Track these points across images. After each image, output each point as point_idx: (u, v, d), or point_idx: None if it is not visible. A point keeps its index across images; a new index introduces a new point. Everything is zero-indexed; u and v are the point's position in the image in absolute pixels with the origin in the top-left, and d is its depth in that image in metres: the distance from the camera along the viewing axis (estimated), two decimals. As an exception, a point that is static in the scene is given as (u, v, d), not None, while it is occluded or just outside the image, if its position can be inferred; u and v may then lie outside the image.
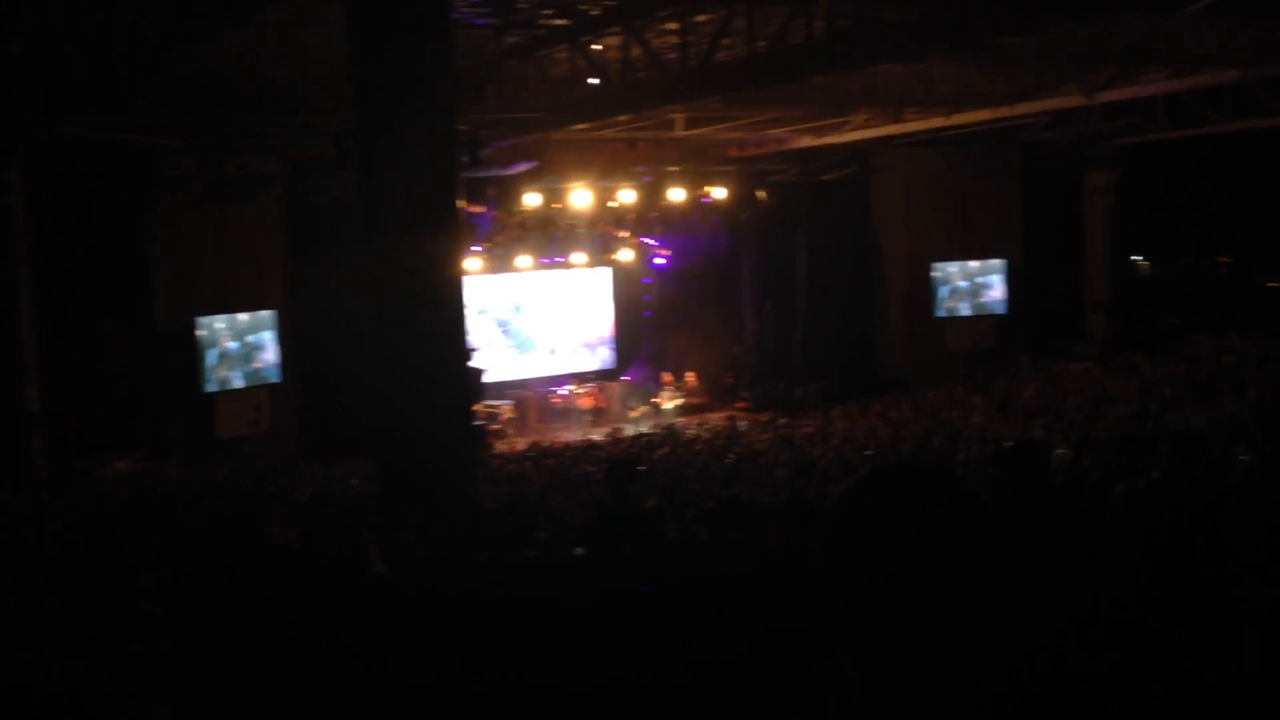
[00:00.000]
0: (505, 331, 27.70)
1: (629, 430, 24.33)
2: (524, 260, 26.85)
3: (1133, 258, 33.12)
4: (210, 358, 20.84)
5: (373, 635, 4.02)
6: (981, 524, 1.48)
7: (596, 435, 23.61)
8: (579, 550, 5.58)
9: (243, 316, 21.25)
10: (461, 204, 11.65)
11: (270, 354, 21.66)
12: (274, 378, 21.75)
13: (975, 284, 27.56)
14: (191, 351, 20.63)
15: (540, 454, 20.46)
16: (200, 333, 20.70)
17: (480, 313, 26.83)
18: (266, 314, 21.57)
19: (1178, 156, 26.17)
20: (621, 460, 9.34)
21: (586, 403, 26.82)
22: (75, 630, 3.88)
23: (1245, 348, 19.54)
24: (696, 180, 26.29)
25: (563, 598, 4.73)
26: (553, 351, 28.18)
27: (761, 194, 27.06)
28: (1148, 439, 13.04)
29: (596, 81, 16.81)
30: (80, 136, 17.42)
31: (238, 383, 21.27)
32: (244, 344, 21.31)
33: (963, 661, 1.42)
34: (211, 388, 20.90)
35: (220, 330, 20.93)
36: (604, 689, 3.74)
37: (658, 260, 28.27)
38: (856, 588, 1.46)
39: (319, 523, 9.69)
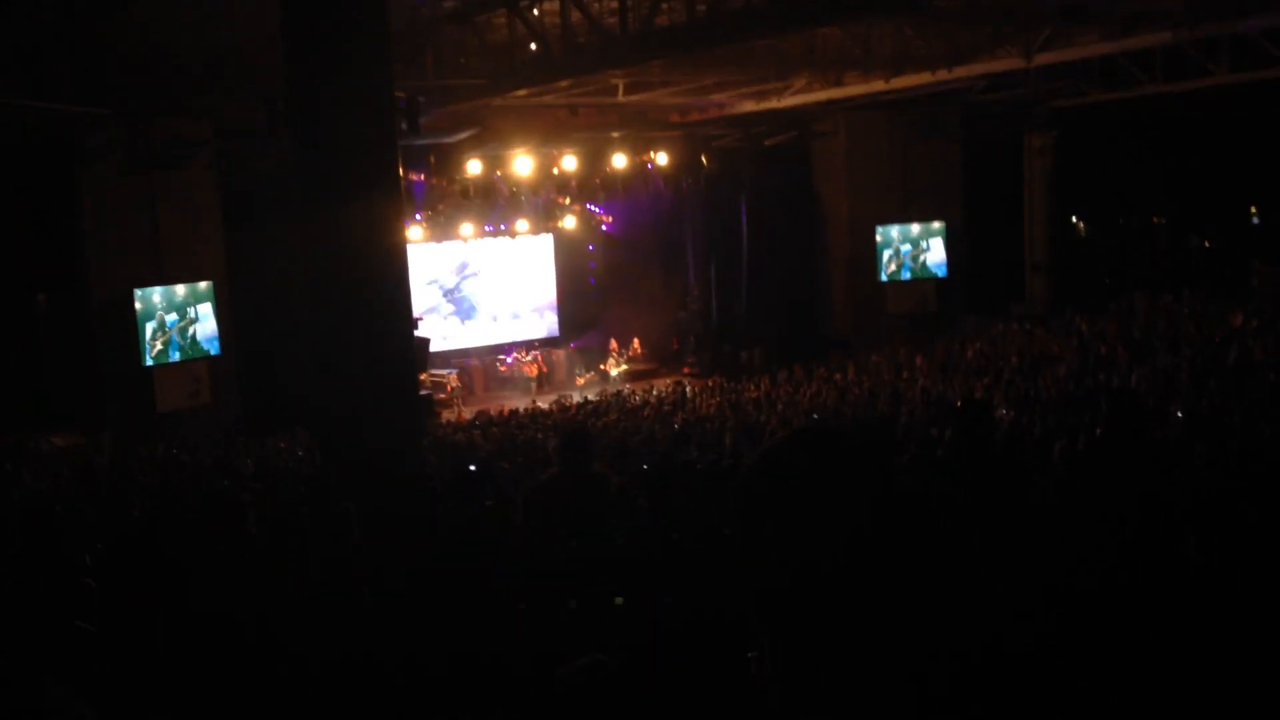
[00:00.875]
0: (451, 298, 27.57)
1: (576, 397, 24.29)
2: (466, 228, 26.66)
3: (1072, 219, 33.55)
4: (147, 331, 20.46)
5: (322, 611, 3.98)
6: (910, 497, 1.40)
7: (543, 403, 23.55)
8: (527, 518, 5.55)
9: (179, 288, 20.86)
10: (401, 172, 11.48)
11: (209, 326, 21.31)
12: (213, 350, 21.42)
13: (917, 246, 27.79)
14: (127, 324, 20.24)
15: (486, 422, 20.37)
16: (136, 305, 20.30)
17: (429, 283, 26.73)
18: (204, 285, 21.20)
19: (1114, 118, 26.49)
20: (577, 428, 9.32)
21: (532, 370, 26.74)
22: (9, 608, 3.79)
23: (1178, 306, 19.91)
24: (639, 146, 26.19)
25: (499, 570, 4.71)
26: (495, 319, 28.09)
27: (704, 159, 27.01)
28: (1087, 397, 13.25)
29: (536, 47, 16.63)
30: (4, 106, 16.93)
31: (175, 356, 20.92)
32: (181, 316, 20.94)
33: (882, 643, 1.33)
34: (149, 361, 20.54)
35: (156, 303, 20.54)
36: (551, 660, 3.73)
37: (602, 226, 28.18)
38: (773, 562, 1.39)
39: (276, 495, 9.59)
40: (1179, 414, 11.08)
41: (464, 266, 27.73)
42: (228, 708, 3.38)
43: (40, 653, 3.43)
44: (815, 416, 16.17)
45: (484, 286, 27.96)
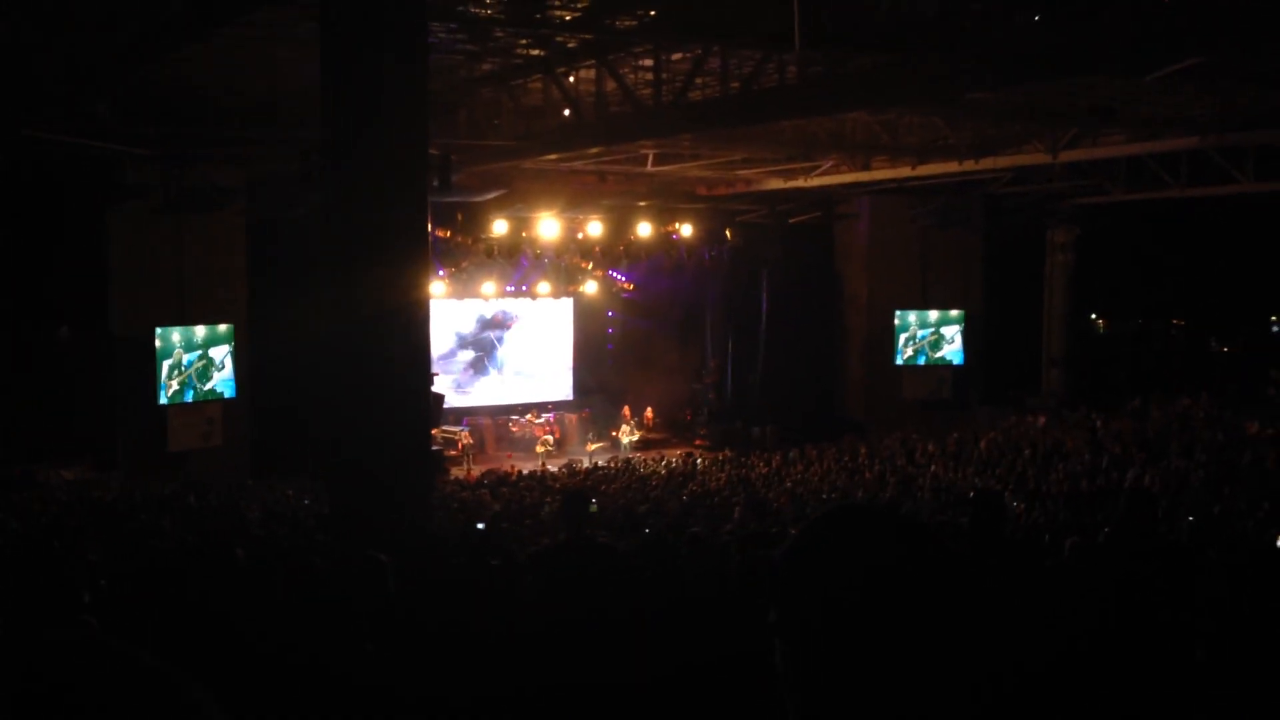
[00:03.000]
0: (483, 351, 27.86)
1: (585, 462, 24.24)
2: (488, 287, 26.86)
3: (1091, 315, 33.60)
4: (164, 369, 20.57)
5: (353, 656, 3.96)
6: (944, 570, 1.44)
7: (552, 466, 23.50)
8: (531, 580, 5.53)
9: (199, 329, 21.02)
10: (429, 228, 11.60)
11: (226, 369, 21.42)
12: (229, 393, 21.50)
13: (935, 333, 27.84)
14: (146, 362, 20.36)
15: (495, 482, 20.33)
16: (156, 344, 20.45)
17: (457, 336, 27.07)
18: (224, 328, 21.35)
19: (1137, 218, 26.63)
20: (576, 492, 9.30)
21: (544, 432, 26.71)
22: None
23: (1194, 409, 19.83)
24: (664, 216, 26.41)
25: (513, 628, 4.69)
26: (517, 373, 28.28)
27: (729, 234, 27.21)
28: (1098, 494, 13.18)
29: (569, 113, 16.86)
30: (43, 140, 17.22)
31: (190, 396, 21.01)
32: (200, 357, 21.07)
33: (916, 710, 1.38)
34: (164, 400, 20.62)
35: (175, 342, 20.68)
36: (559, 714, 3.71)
37: (622, 294, 28.35)
38: (810, 631, 1.41)
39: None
40: (1190, 518, 11.01)
41: (506, 317, 28.05)
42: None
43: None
44: (825, 497, 16.10)
45: (505, 344, 28.19)
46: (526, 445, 26.42)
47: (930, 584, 1.42)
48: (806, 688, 1.40)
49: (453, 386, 26.31)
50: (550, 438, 26.50)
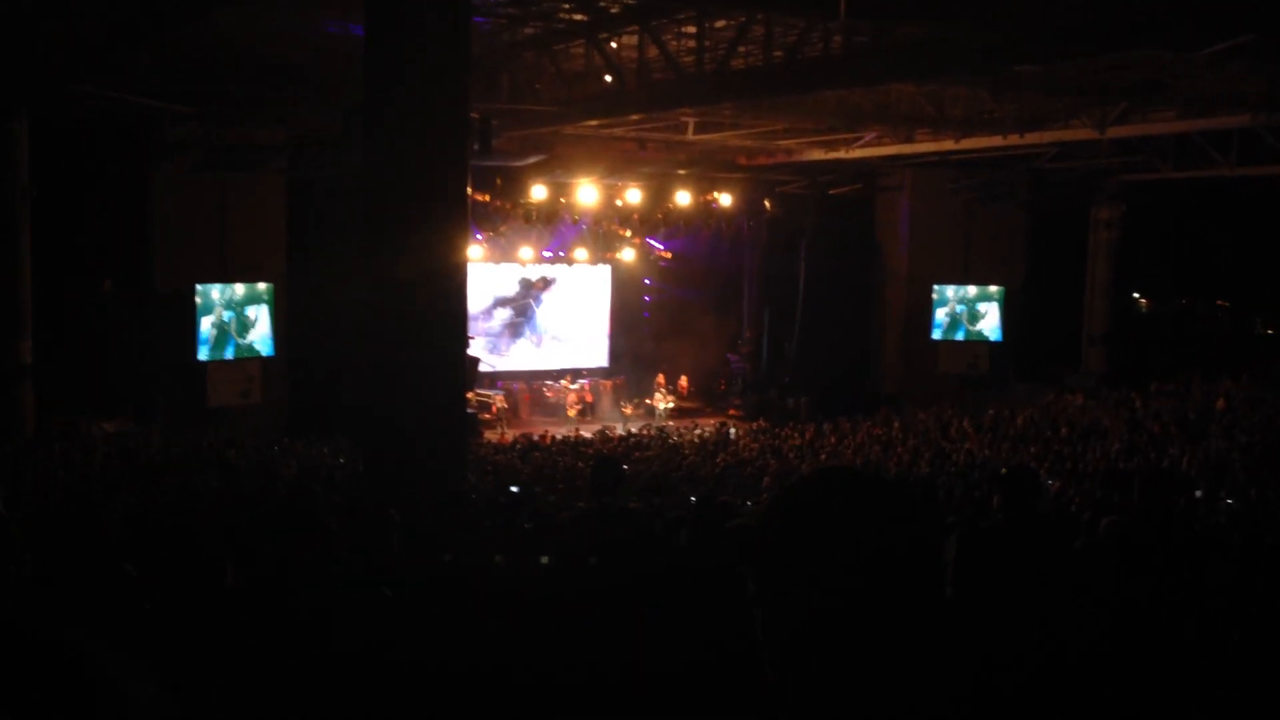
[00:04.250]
0: (521, 315, 27.94)
1: (619, 429, 24.30)
2: (526, 252, 26.91)
3: (1133, 294, 33.17)
4: (205, 326, 20.78)
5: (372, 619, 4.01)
6: (924, 541, 1.38)
7: (586, 432, 23.58)
8: (558, 545, 5.56)
9: (239, 287, 21.20)
10: (469, 191, 11.61)
11: (264, 326, 21.61)
12: (267, 351, 21.70)
13: (973, 308, 27.61)
14: (186, 318, 20.58)
15: (529, 446, 20.42)
16: (196, 300, 20.65)
17: (495, 299, 27.18)
18: (263, 286, 21.52)
19: (1184, 197, 26.21)
20: (607, 458, 9.34)
21: (578, 399, 26.80)
22: (50, 588, 3.86)
23: (1236, 391, 19.57)
24: (703, 185, 26.29)
25: (541, 592, 4.72)
26: (556, 339, 28.36)
27: (768, 204, 27.06)
28: (1134, 474, 13.06)
29: (610, 79, 16.78)
30: (87, 95, 17.35)
31: (230, 353, 21.23)
32: (239, 314, 21.26)
33: (896, 684, 1.32)
34: (204, 356, 20.84)
35: (215, 299, 20.88)
36: (582, 685, 3.73)
37: (660, 261, 28.31)
38: (790, 599, 1.36)
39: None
40: (1229, 500, 10.90)
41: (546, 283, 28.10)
42: (254, 687, 3.42)
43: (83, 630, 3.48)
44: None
45: (542, 309, 28.27)
46: (560, 411, 26.53)
47: (913, 548, 1.36)
48: (787, 659, 1.36)
49: (487, 348, 26.41)
50: (585, 403, 26.61)
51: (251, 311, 21.37)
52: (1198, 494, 11.00)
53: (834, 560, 1.33)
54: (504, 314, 27.84)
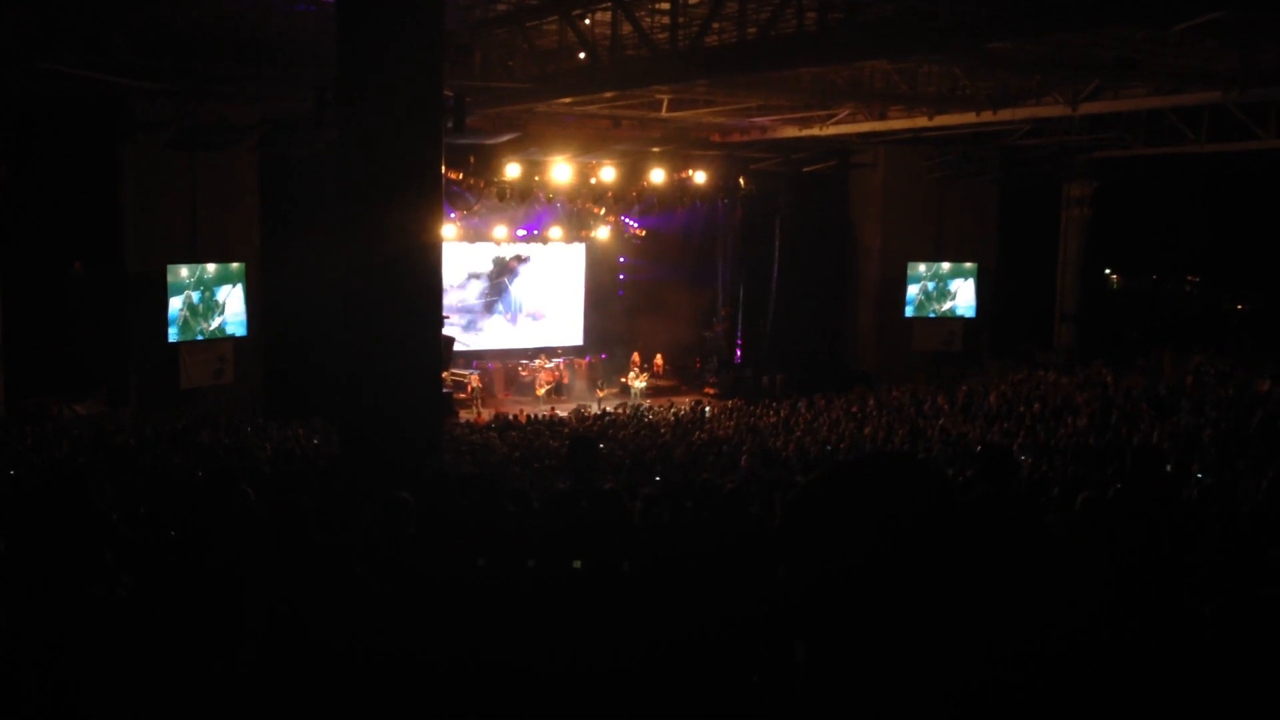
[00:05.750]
0: (496, 294, 27.87)
1: (594, 408, 24.32)
2: (500, 231, 26.82)
3: (1105, 270, 33.40)
4: (176, 306, 20.61)
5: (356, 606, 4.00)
6: (954, 520, 1.44)
7: (562, 411, 23.59)
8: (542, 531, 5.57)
9: (211, 267, 21.03)
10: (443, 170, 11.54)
11: (237, 307, 21.45)
12: (240, 331, 21.55)
13: (946, 286, 27.73)
14: (158, 298, 20.40)
15: (504, 426, 20.42)
16: (168, 280, 20.47)
17: (470, 277, 27.08)
18: (235, 266, 21.35)
19: (1155, 173, 26.36)
20: (584, 438, 9.35)
21: (553, 377, 26.79)
22: (36, 572, 3.83)
23: (1207, 366, 19.78)
24: (678, 163, 26.26)
25: (525, 575, 4.73)
26: (533, 318, 28.32)
27: (743, 181, 27.06)
28: (1106, 450, 13.19)
29: (584, 56, 16.69)
30: (56, 73, 17.11)
31: (202, 334, 21.07)
32: (211, 295, 21.09)
33: (920, 656, 1.38)
34: (175, 337, 20.68)
35: (185, 278, 20.69)
36: (568, 668, 3.75)
37: (634, 239, 28.28)
38: (822, 575, 1.41)
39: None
40: (1199, 475, 11.02)
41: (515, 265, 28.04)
42: (248, 679, 3.42)
43: (70, 613, 3.47)
44: (828, 448, 16.14)
45: (516, 288, 28.22)
46: (536, 391, 26.53)
47: (940, 537, 1.41)
48: (809, 630, 1.40)
49: (462, 327, 26.35)
50: (559, 381, 26.64)
51: (222, 293, 21.18)
52: (1168, 469, 11.11)
53: (872, 533, 1.40)
54: (479, 286, 27.75)
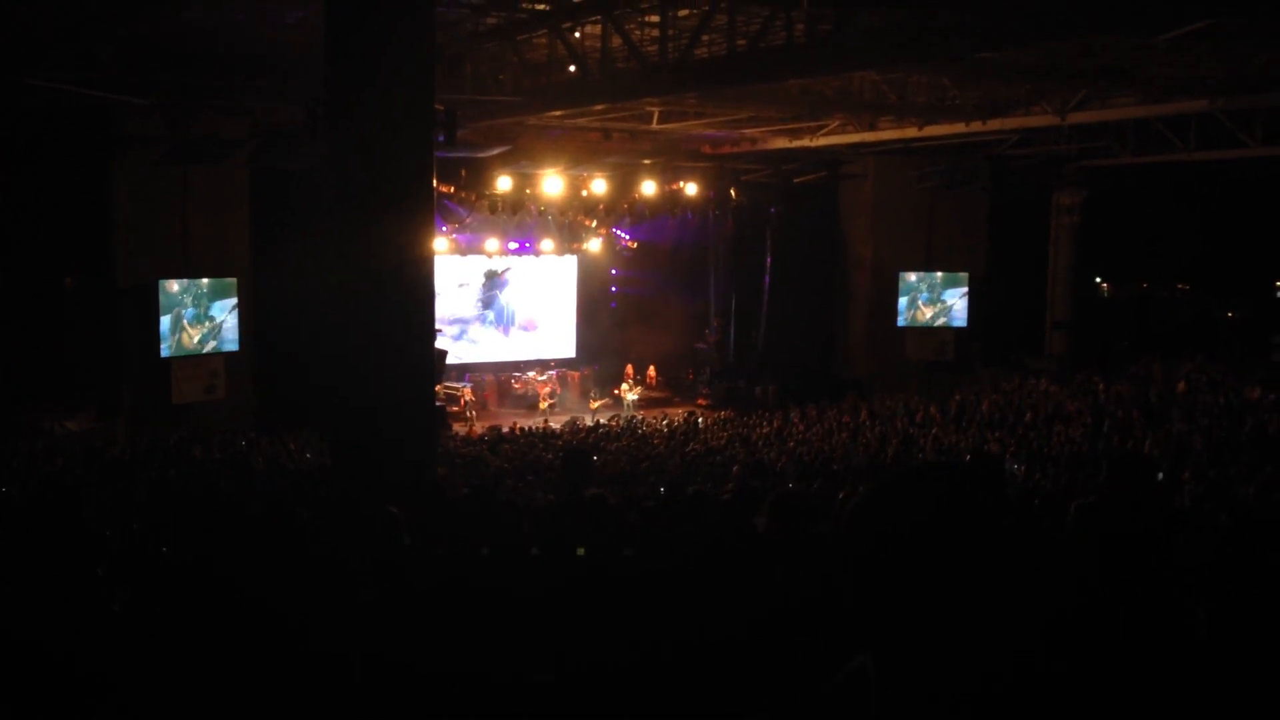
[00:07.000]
0: (487, 305, 27.86)
1: (588, 420, 24.31)
2: (492, 244, 26.86)
3: (1095, 279, 33.52)
4: (168, 321, 20.57)
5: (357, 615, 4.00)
6: (1002, 526, 1.51)
7: (555, 423, 23.57)
8: (538, 541, 5.57)
9: (203, 282, 21.00)
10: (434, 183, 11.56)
11: (230, 321, 21.42)
12: (232, 346, 21.51)
13: (938, 295, 27.80)
14: (150, 313, 20.35)
15: (497, 439, 20.40)
16: (160, 295, 20.43)
17: (460, 285, 27.08)
18: (228, 280, 21.33)
19: (1144, 181, 26.48)
20: (577, 450, 9.35)
21: (546, 390, 26.78)
22: (30, 589, 3.83)
23: (1198, 374, 19.84)
24: (668, 175, 26.33)
25: (523, 587, 4.73)
26: (524, 329, 28.33)
27: (734, 193, 27.13)
28: (1098, 458, 13.23)
29: (574, 69, 16.74)
30: (45, 89, 17.10)
31: (193, 348, 21.02)
32: (203, 309, 21.06)
33: (970, 657, 1.47)
34: (168, 352, 20.64)
35: (175, 293, 20.66)
36: (563, 679, 3.75)
37: (626, 252, 28.34)
38: (880, 583, 1.48)
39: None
40: (1187, 480, 11.06)
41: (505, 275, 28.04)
42: (248, 690, 3.41)
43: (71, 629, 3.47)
44: (816, 460, 16.15)
45: (509, 300, 28.24)
46: (528, 403, 26.52)
47: (990, 543, 1.49)
48: (870, 638, 1.47)
49: (453, 337, 26.34)
50: (554, 393, 26.63)
51: (215, 308, 21.14)
52: (1159, 476, 11.15)
53: (916, 545, 1.51)
54: (471, 294, 27.75)
